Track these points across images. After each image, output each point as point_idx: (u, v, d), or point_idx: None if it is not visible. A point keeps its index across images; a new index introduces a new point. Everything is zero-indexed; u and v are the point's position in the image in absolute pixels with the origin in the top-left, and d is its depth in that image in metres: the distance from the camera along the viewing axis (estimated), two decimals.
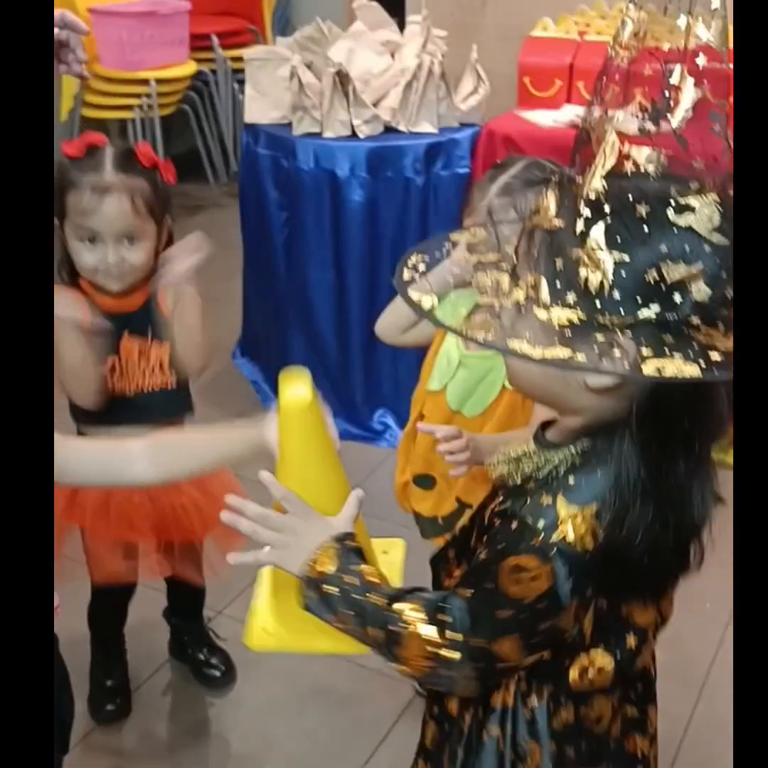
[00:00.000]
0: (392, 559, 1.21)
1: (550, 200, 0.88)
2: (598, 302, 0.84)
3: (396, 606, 0.97)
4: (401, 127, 2.68)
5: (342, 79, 2.57)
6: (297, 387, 1.04)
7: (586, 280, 0.84)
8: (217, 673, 2.05)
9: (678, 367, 0.81)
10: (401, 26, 2.90)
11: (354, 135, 2.64)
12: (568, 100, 3.08)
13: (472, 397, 1.54)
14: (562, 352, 0.82)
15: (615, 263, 0.83)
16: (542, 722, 1.03)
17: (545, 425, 1.01)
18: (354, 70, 2.65)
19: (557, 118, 2.88)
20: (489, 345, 0.85)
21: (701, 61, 0.82)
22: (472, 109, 2.78)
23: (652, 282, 0.83)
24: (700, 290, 0.83)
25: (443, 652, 0.95)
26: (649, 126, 0.84)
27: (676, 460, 0.91)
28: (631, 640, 1.00)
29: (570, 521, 0.90)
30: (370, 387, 2.88)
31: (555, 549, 0.90)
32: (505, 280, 0.93)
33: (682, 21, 0.80)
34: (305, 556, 0.99)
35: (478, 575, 0.96)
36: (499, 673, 1.00)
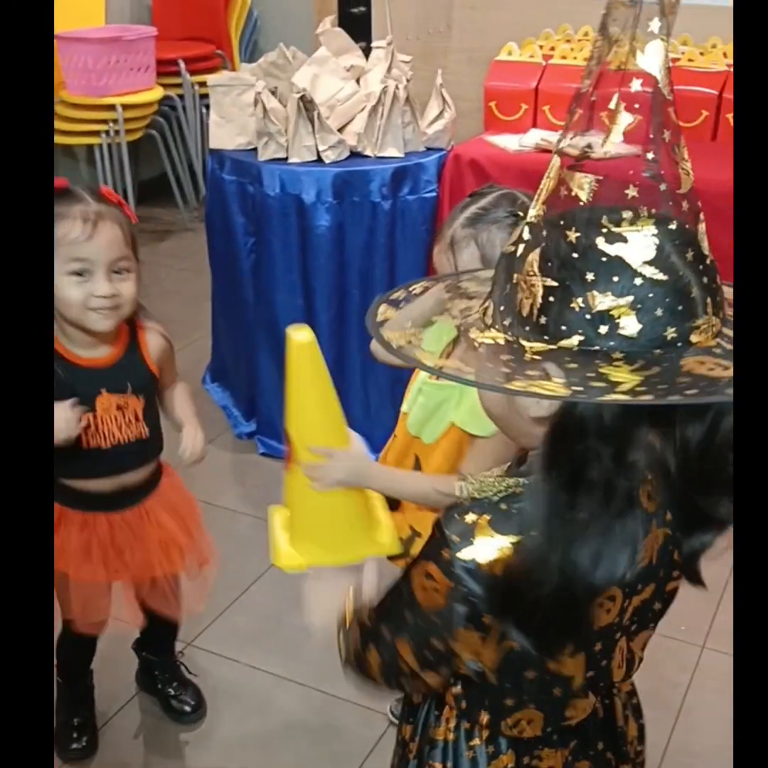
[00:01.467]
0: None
1: (519, 227, 0.88)
2: (527, 327, 0.83)
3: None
4: (367, 152, 2.68)
5: (306, 104, 2.56)
6: (301, 332, 1.27)
7: (520, 304, 0.84)
8: (188, 708, 2.02)
9: (551, 389, 0.78)
10: (367, 52, 2.91)
11: (320, 160, 2.64)
12: (534, 124, 3.10)
13: (428, 425, 1.54)
14: (495, 376, 0.81)
15: (545, 288, 0.82)
16: (483, 764, 1.01)
17: (524, 455, 0.99)
18: (319, 95, 2.65)
19: (523, 142, 2.89)
20: (422, 367, 0.88)
21: (636, 86, 0.80)
22: (439, 133, 2.78)
23: (577, 309, 0.81)
24: (630, 325, 0.80)
25: (364, 631, 1.02)
26: (590, 151, 0.83)
27: (577, 508, 0.83)
28: (557, 691, 0.96)
29: (485, 546, 0.86)
30: None
31: (460, 567, 0.87)
32: (473, 306, 0.93)
33: (624, 45, 0.80)
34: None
35: (404, 573, 0.97)
36: (404, 675, 0.98)
